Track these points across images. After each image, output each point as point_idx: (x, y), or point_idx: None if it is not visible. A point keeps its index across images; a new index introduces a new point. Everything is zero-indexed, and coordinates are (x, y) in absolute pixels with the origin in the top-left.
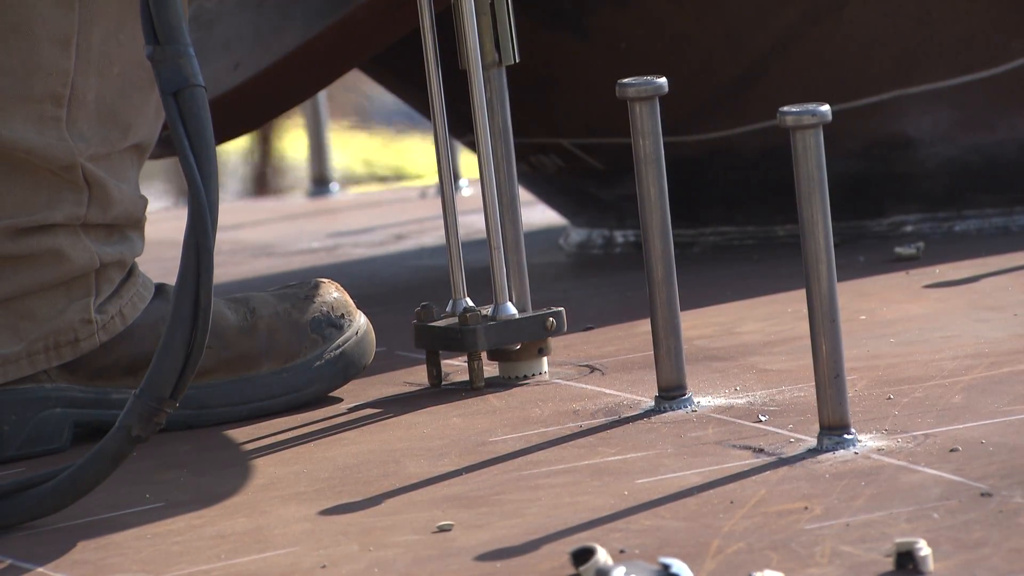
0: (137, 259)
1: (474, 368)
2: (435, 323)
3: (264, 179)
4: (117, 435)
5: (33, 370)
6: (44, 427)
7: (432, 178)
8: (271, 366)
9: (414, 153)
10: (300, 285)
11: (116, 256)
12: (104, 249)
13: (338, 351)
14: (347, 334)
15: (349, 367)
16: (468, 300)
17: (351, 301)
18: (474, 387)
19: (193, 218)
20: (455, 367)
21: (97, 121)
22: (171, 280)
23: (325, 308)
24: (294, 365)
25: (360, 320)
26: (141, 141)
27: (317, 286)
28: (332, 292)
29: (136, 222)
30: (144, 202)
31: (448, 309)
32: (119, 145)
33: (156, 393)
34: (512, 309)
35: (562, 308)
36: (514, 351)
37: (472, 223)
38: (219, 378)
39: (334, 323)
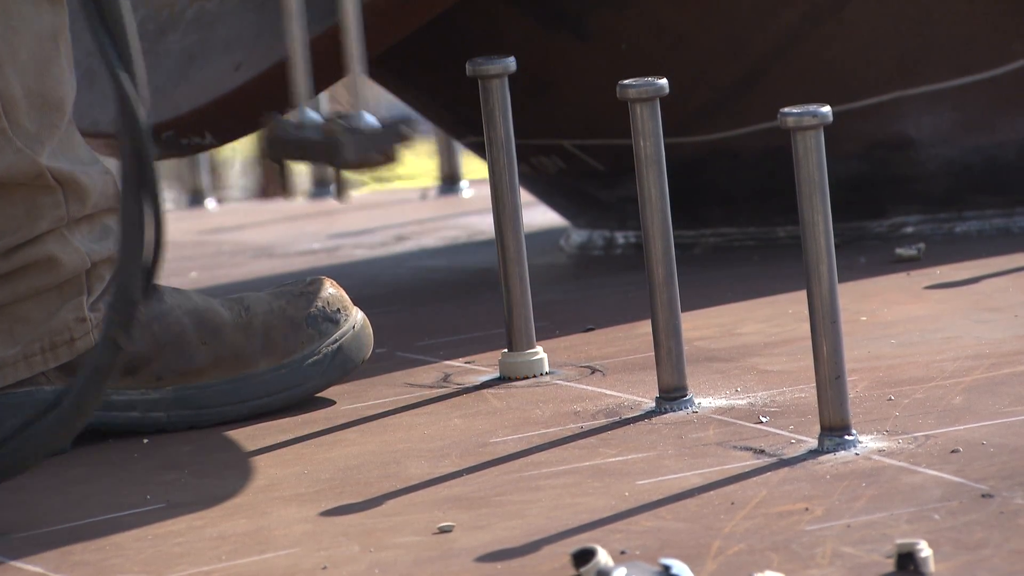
0: None
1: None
2: (291, 134)
3: (265, 181)
4: (104, 348)
5: (30, 372)
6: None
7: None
8: (268, 363)
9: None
10: (296, 283)
11: (105, 253)
12: (93, 247)
13: (335, 346)
14: (344, 329)
15: (347, 362)
16: (312, 110)
17: (347, 297)
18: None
19: (122, 111)
20: (456, 368)
21: (35, 112)
22: (174, 282)
23: (321, 304)
24: (291, 361)
25: (356, 315)
26: (69, 90)
27: (312, 282)
28: (328, 288)
29: (114, 205)
30: (111, 176)
31: (297, 119)
32: (62, 123)
33: (128, 298)
34: (371, 118)
35: (415, 117)
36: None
37: (473, 224)
38: (217, 377)
39: (330, 318)
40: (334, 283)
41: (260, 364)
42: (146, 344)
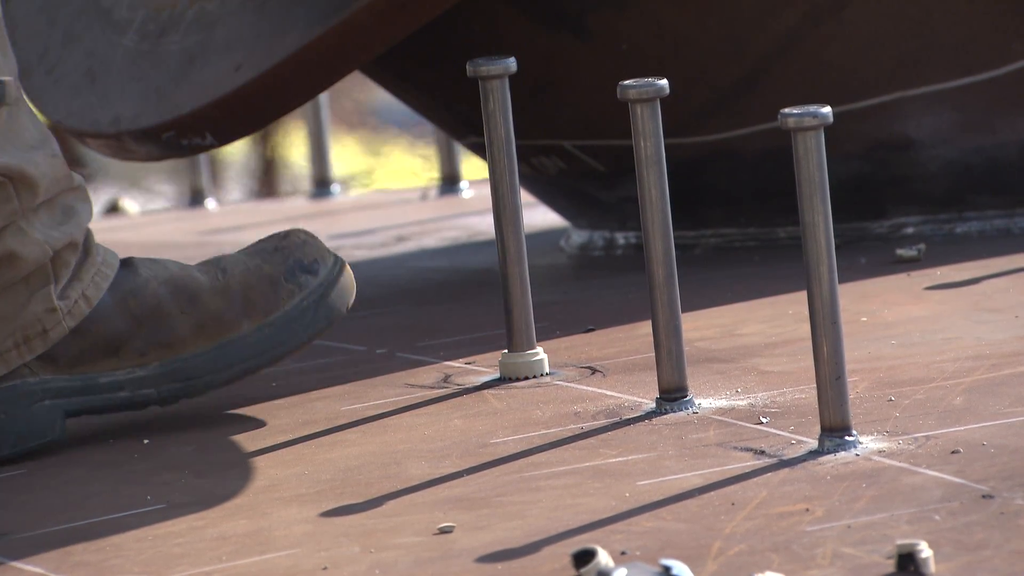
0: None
1: None
2: None
3: (266, 181)
4: None
5: (7, 368)
6: (35, 421)
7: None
8: (251, 324)
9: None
10: (269, 238)
11: (66, 239)
12: (52, 234)
13: (316, 297)
14: (322, 278)
15: (331, 311)
16: None
17: (323, 244)
18: None
19: None
20: (456, 368)
21: None
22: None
23: (297, 255)
24: (274, 319)
25: (334, 262)
26: (8, 75)
27: (286, 235)
28: (302, 238)
29: (70, 185)
30: (60, 159)
31: None
32: (1, 114)
33: None
34: None
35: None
36: None
37: (473, 224)
38: (202, 346)
39: (308, 269)
40: (308, 232)
41: (243, 326)
42: (124, 322)
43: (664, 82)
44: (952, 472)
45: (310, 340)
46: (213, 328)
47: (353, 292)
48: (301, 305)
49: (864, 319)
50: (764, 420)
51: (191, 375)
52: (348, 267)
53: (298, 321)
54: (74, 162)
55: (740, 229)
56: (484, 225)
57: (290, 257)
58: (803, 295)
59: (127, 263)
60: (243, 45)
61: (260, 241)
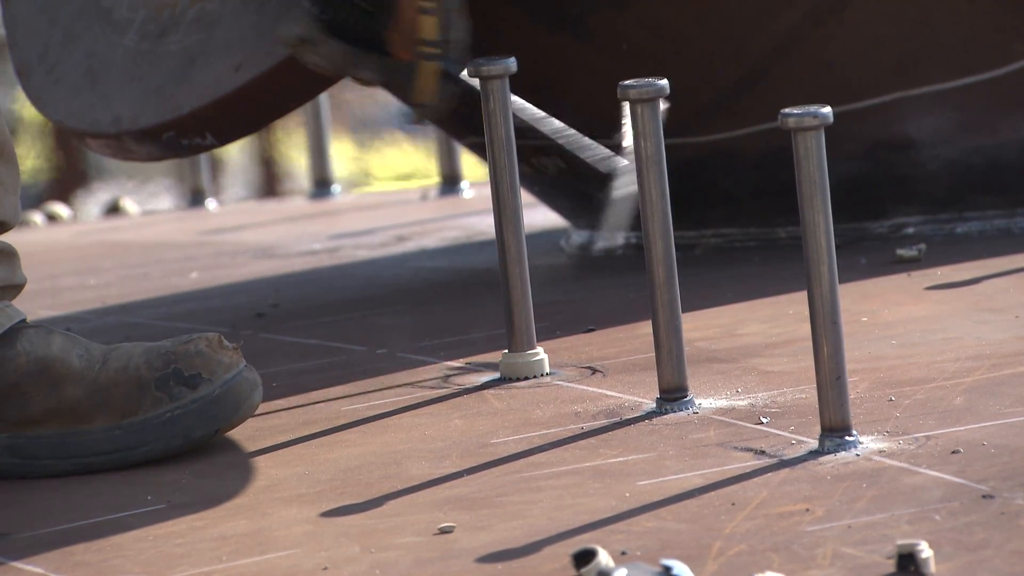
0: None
1: None
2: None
3: (266, 181)
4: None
5: None
6: None
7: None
8: (105, 421)
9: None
10: (177, 338)
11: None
12: None
13: (180, 411)
14: (200, 394)
15: (193, 428)
16: None
17: (227, 359)
18: None
19: None
20: (455, 368)
21: None
22: (174, 282)
23: (180, 365)
24: (129, 423)
25: (222, 380)
26: None
27: (188, 341)
28: (200, 348)
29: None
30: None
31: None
32: None
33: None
34: None
35: None
36: None
37: (473, 224)
38: (50, 429)
39: (186, 382)
40: (214, 342)
41: (96, 422)
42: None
43: (664, 82)
44: (952, 472)
45: (159, 454)
46: (65, 416)
47: (238, 412)
48: (164, 416)
49: (864, 319)
50: (764, 420)
51: (33, 455)
52: (247, 386)
53: (152, 431)
54: (74, 163)
55: (740, 229)
56: (484, 225)
57: (172, 364)
58: (803, 295)
59: (16, 330)
60: (243, 45)
61: (169, 340)
